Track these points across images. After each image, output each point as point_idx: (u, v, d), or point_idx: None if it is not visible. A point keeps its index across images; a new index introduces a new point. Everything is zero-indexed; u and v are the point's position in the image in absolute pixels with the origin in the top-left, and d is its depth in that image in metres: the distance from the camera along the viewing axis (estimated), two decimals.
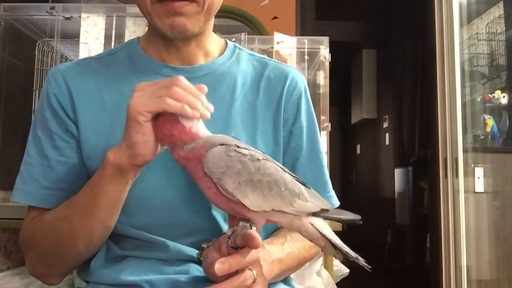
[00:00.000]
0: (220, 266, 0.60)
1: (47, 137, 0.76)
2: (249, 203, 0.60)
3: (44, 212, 0.75)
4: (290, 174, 0.64)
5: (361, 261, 0.62)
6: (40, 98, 0.80)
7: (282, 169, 0.63)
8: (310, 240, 0.65)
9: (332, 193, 0.87)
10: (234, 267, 0.61)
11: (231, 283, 0.61)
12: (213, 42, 0.85)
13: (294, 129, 0.83)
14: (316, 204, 0.63)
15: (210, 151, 0.60)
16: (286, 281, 0.84)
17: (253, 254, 0.62)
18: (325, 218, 0.65)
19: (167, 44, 0.79)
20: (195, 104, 0.61)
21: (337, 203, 0.87)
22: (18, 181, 0.76)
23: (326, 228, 0.64)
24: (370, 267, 0.62)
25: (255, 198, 0.60)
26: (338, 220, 0.66)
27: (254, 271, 0.63)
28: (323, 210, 0.63)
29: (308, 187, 0.65)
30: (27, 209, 0.78)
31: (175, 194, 0.74)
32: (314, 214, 0.63)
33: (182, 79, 0.63)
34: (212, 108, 0.64)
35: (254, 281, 0.63)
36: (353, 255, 0.63)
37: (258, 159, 0.61)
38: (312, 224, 0.63)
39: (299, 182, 0.64)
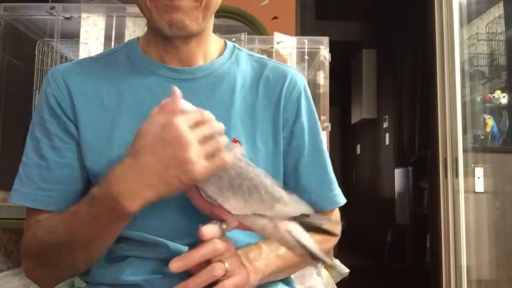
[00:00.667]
0: (175, 264, 0.62)
1: (46, 138, 0.76)
2: (230, 207, 0.62)
3: (41, 224, 0.74)
4: (272, 181, 0.65)
5: (339, 267, 0.65)
6: (39, 98, 0.79)
7: (264, 175, 0.65)
8: (288, 248, 0.65)
9: (338, 191, 0.86)
10: (191, 261, 0.63)
11: (199, 277, 0.63)
12: (213, 43, 0.85)
13: (295, 129, 0.83)
14: (297, 209, 0.63)
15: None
16: (286, 281, 0.84)
17: (210, 245, 0.63)
18: (304, 224, 0.64)
19: (166, 44, 0.79)
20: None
21: (342, 201, 0.87)
22: (16, 182, 0.76)
23: (303, 237, 0.63)
24: (348, 271, 0.65)
25: (236, 202, 0.62)
26: (316, 226, 0.65)
27: (226, 263, 0.64)
28: (303, 215, 0.63)
29: (290, 193, 0.65)
30: (26, 211, 0.78)
31: (174, 196, 0.73)
32: (295, 218, 0.64)
33: (220, 124, 0.65)
34: None
35: (227, 272, 0.64)
36: (329, 262, 0.64)
37: (240, 167, 0.63)
38: (288, 232, 0.63)
39: (281, 188, 0.65)
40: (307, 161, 0.83)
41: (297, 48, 1.98)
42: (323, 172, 0.85)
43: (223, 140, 0.62)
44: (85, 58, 0.85)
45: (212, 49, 0.84)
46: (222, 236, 0.66)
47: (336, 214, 0.88)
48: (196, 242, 0.72)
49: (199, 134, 0.61)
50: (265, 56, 0.90)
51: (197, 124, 0.62)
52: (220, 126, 0.64)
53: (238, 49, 0.88)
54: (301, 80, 0.87)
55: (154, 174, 0.60)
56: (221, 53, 0.85)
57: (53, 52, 1.80)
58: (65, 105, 0.77)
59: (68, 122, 0.76)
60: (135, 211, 0.62)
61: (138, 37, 0.85)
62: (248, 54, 0.88)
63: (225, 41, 0.89)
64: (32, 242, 0.73)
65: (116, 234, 0.69)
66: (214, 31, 0.86)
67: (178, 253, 0.72)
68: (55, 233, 0.69)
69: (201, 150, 0.60)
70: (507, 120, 2.75)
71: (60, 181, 0.75)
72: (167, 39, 0.78)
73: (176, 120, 0.60)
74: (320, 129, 0.87)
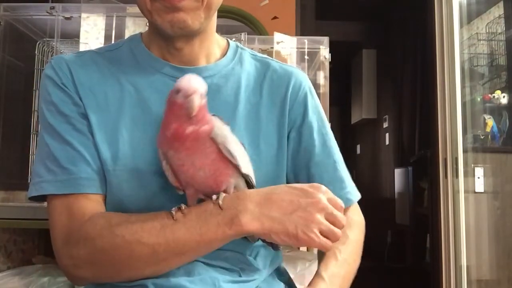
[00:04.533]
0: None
1: (63, 122, 0.74)
2: (242, 165, 0.68)
3: (110, 218, 0.69)
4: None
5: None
6: (44, 89, 0.77)
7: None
8: None
9: (350, 188, 0.85)
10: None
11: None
12: (216, 43, 0.84)
13: (303, 129, 0.82)
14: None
15: (216, 126, 0.66)
16: (286, 281, 0.84)
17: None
18: None
19: (169, 45, 0.78)
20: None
21: (355, 197, 0.85)
22: (43, 174, 0.72)
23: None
24: None
25: (243, 162, 0.69)
26: None
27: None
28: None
29: None
30: (57, 200, 0.72)
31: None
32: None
33: (343, 218, 0.68)
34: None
35: None
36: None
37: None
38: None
39: None
40: (318, 160, 0.82)
41: (297, 48, 1.99)
42: (333, 171, 0.83)
43: (338, 234, 0.67)
44: (86, 51, 0.83)
45: (215, 49, 0.83)
46: None
47: (354, 211, 0.86)
48: None
49: (330, 210, 0.66)
50: (267, 56, 0.89)
51: (331, 202, 0.68)
52: (343, 219, 0.68)
53: (241, 48, 0.87)
54: (306, 80, 0.86)
55: (281, 210, 0.65)
56: (224, 53, 0.84)
57: (53, 52, 1.81)
58: (73, 91, 0.75)
59: (81, 105, 0.75)
60: (251, 231, 0.65)
61: (141, 33, 0.84)
62: (251, 54, 0.87)
63: (227, 40, 0.88)
64: (114, 242, 0.67)
65: (207, 252, 0.69)
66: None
67: None
68: (141, 232, 0.66)
69: (325, 224, 0.66)
70: (507, 120, 2.75)
71: (91, 162, 0.73)
72: (169, 40, 0.77)
73: (323, 186, 0.68)
74: (328, 127, 0.87)
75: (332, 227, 0.66)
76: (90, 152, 0.73)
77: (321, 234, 0.65)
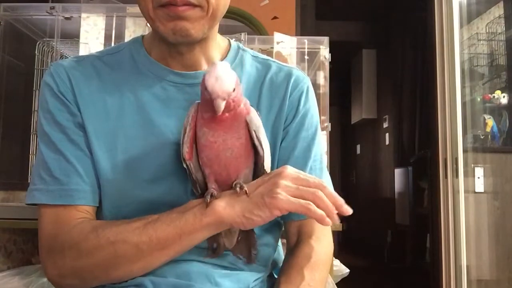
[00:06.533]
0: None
1: (58, 132, 0.73)
2: (266, 158, 0.70)
3: (97, 223, 0.70)
4: None
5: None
6: (42, 93, 0.76)
7: None
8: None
9: None
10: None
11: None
12: (217, 46, 0.83)
13: (290, 128, 0.81)
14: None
15: (252, 112, 0.69)
16: None
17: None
18: None
19: (170, 49, 0.77)
20: (333, 214, 0.63)
21: None
22: (37, 182, 0.73)
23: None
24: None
25: (268, 159, 0.71)
26: None
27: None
28: None
29: None
30: (46, 209, 0.72)
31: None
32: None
33: (327, 185, 0.64)
34: (350, 210, 0.64)
35: None
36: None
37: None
38: None
39: None
40: (294, 164, 0.78)
41: (297, 48, 1.99)
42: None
43: (325, 199, 0.63)
44: (87, 56, 0.82)
45: (216, 52, 0.82)
46: None
47: (324, 235, 0.81)
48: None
49: (296, 175, 0.64)
50: (269, 58, 0.88)
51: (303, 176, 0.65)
52: (334, 195, 0.65)
53: (243, 50, 0.86)
54: (304, 82, 0.85)
55: (249, 192, 0.65)
56: (225, 55, 0.83)
57: (53, 52, 1.81)
58: (71, 100, 0.75)
59: (78, 115, 0.74)
60: (225, 217, 0.64)
61: (143, 36, 0.84)
62: (253, 55, 0.86)
63: (229, 41, 0.87)
64: (77, 241, 0.68)
65: (190, 246, 0.68)
66: None
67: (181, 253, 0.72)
68: (125, 232, 0.67)
69: (295, 189, 0.63)
70: (507, 120, 2.75)
71: (83, 174, 0.72)
72: (171, 45, 0.76)
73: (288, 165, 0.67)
74: (318, 135, 0.84)
75: (302, 187, 0.63)
76: (82, 165, 0.73)
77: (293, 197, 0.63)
